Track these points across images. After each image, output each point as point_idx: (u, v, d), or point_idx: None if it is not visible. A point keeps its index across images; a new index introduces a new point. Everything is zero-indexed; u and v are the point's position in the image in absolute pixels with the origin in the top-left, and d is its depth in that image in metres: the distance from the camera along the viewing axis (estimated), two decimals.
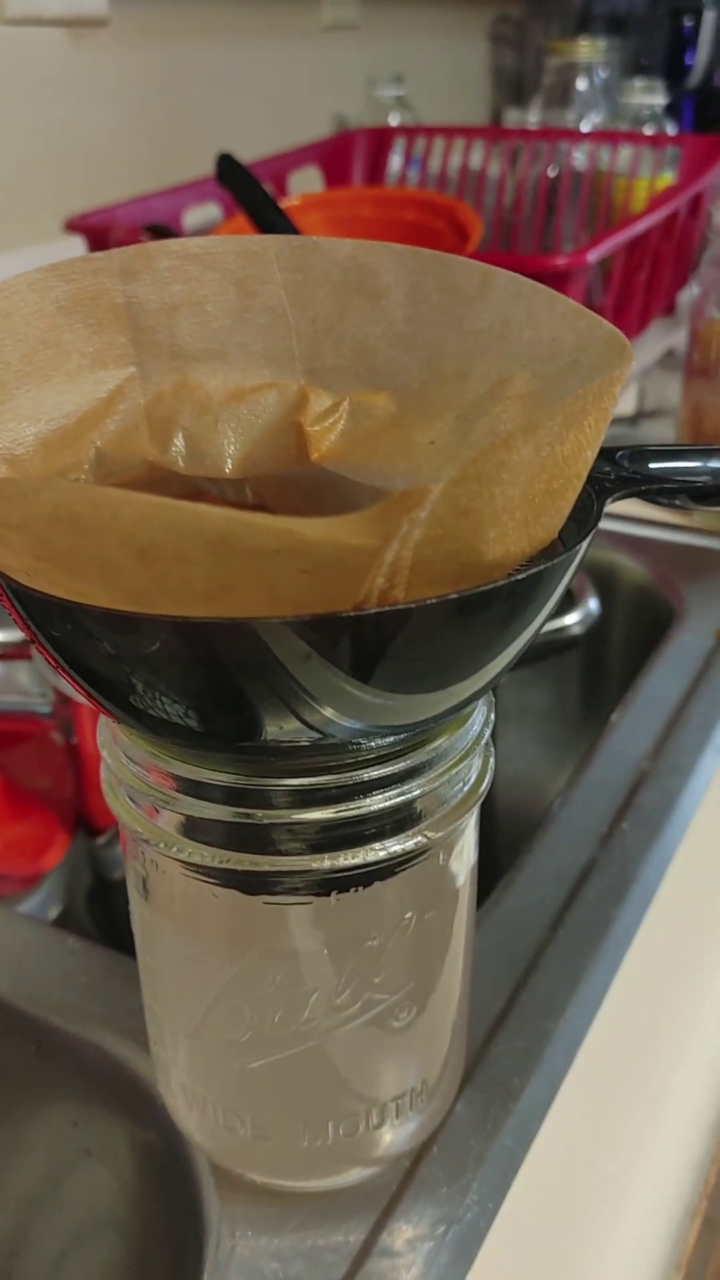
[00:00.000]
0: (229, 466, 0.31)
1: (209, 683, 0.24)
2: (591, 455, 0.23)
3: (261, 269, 0.31)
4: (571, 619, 0.63)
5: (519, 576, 0.23)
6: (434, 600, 0.22)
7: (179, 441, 0.31)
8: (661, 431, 0.87)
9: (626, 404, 0.93)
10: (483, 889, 0.48)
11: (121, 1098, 0.39)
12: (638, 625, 0.69)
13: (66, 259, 0.30)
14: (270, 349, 0.31)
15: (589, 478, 0.28)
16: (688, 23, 1.58)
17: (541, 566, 0.23)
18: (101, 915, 0.60)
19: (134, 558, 0.22)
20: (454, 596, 0.22)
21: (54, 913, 0.59)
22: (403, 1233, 0.33)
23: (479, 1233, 0.33)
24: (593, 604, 0.64)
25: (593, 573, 0.70)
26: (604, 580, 0.70)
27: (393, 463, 0.29)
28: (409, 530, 0.21)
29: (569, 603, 0.64)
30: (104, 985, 0.41)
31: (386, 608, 0.22)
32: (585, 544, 0.25)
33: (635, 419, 0.91)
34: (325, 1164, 0.33)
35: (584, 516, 0.27)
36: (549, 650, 0.65)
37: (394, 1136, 0.34)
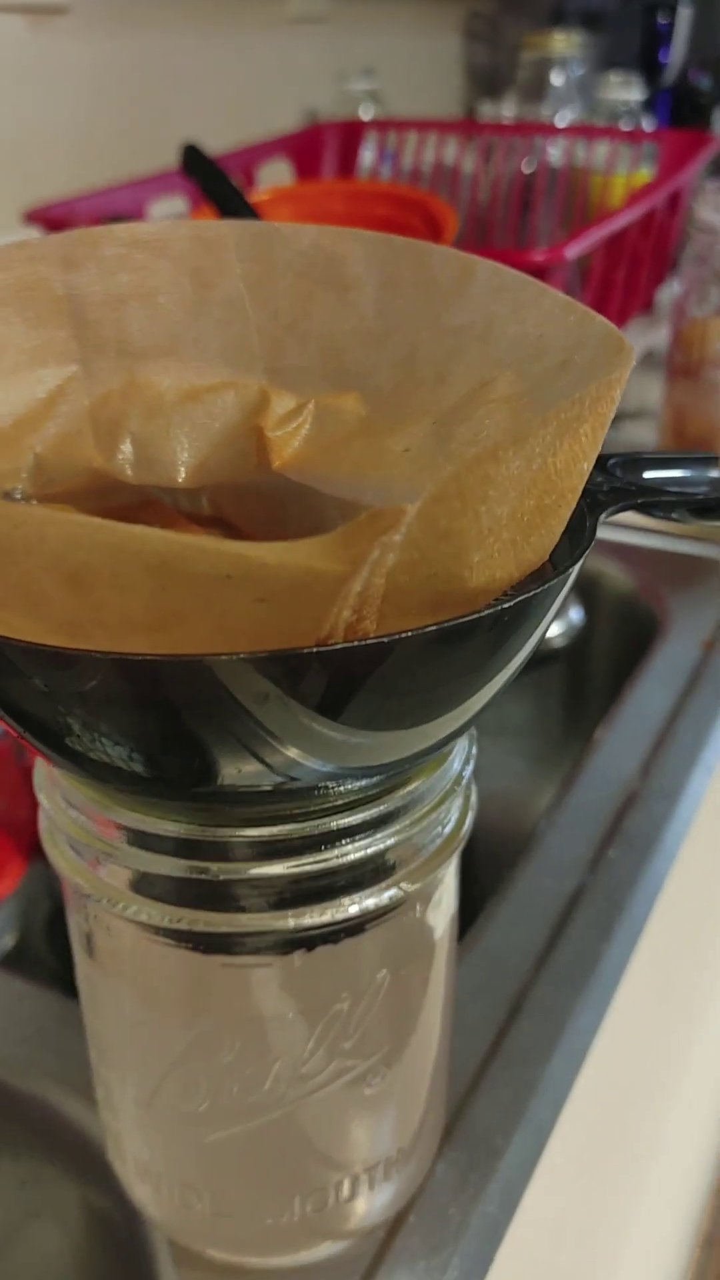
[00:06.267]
0: (182, 474, 0.28)
1: (157, 725, 0.21)
2: (587, 467, 0.21)
3: (219, 258, 0.28)
4: (553, 630, 0.61)
5: (504, 605, 0.20)
6: (409, 634, 0.19)
7: (127, 447, 0.28)
8: (643, 433, 0.85)
9: None
10: (463, 919, 0.45)
11: (72, 1159, 0.36)
12: (622, 636, 0.67)
13: None
14: (228, 346, 0.28)
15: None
16: (662, 19, 1.56)
17: (529, 593, 0.21)
18: (60, 947, 0.56)
19: (64, 584, 0.19)
20: (433, 629, 0.19)
21: (8, 943, 0.55)
22: None
23: None
24: (575, 614, 0.61)
25: (575, 581, 0.67)
26: (587, 589, 0.67)
27: (363, 472, 0.26)
28: (381, 555, 0.18)
29: None
30: (55, 1035, 0.38)
31: (356, 642, 0.19)
32: (577, 567, 0.22)
33: (616, 420, 0.89)
34: (292, 1239, 0.30)
35: (576, 534, 0.24)
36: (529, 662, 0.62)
37: (367, 1207, 0.31)
